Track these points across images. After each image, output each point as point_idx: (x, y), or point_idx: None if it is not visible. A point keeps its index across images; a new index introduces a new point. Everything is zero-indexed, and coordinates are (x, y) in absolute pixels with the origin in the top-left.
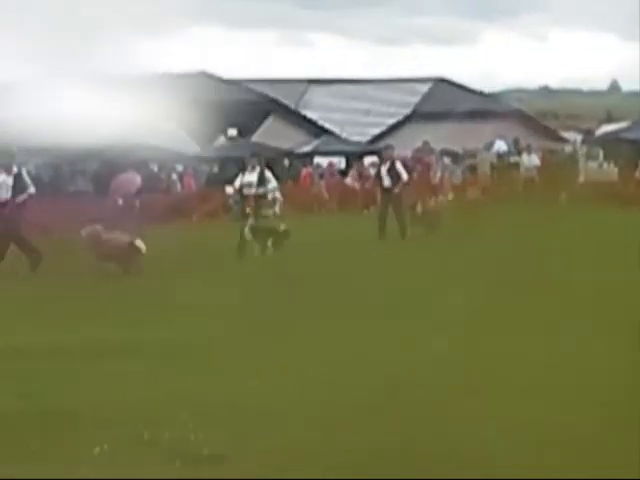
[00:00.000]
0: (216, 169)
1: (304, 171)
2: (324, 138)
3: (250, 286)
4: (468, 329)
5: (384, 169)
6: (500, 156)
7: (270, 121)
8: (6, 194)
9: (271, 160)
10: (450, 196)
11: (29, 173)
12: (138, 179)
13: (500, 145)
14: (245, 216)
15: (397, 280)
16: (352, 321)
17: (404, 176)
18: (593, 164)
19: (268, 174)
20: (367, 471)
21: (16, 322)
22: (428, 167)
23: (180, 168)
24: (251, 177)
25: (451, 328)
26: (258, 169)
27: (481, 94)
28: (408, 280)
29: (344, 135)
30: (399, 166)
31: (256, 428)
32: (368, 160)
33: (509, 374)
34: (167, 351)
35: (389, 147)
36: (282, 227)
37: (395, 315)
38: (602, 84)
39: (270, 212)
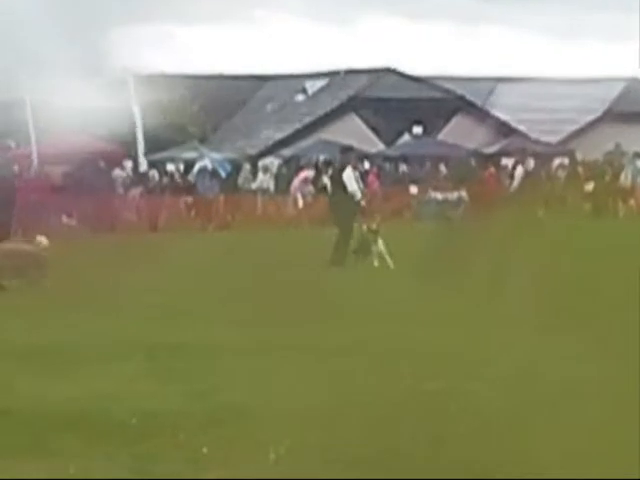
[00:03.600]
0: (403, 167)
1: (487, 172)
2: (512, 138)
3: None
4: None
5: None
6: None
7: (457, 119)
8: None
9: (457, 160)
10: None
11: (204, 168)
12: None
13: None
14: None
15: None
16: None
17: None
18: None
19: (346, 174)
20: None
21: (181, 319)
22: (619, 171)
23: (366, 166)
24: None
25: None
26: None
27: None
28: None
29: (533, 136)
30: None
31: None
32: (558, 161)
33: None
34: (346, 350)
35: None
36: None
37: None
38: None
39: (455, 214)
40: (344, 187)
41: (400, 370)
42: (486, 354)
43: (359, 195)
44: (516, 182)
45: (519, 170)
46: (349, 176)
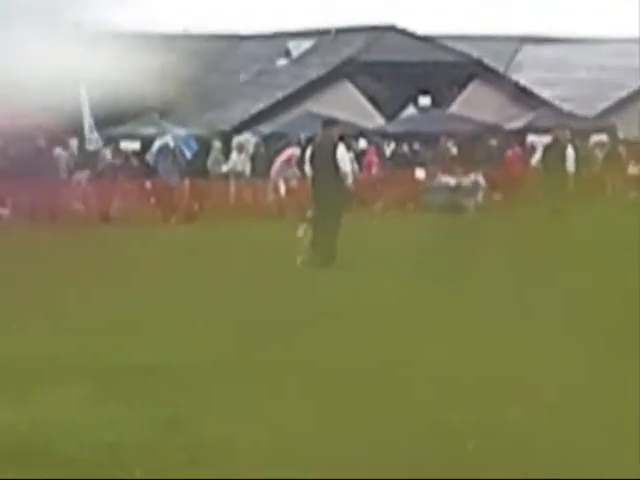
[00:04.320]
0: (406, 147)
1: (509, 152)
2: (541, 111)
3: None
4: None
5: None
6: None
7: (472, 88)
8: None
9: (471, 138)
10: None
11: (166, 147)
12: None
13: None
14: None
15: None
16: None
17: None
18: None
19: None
20: None
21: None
22: None
23: (362, 144)
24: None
25: None
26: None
27: None
28: None
29: (567, 108)
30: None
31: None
32: (595, 139)
33: None
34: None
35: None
36: None
37: None
38: None
39: (470, 203)
40: (334, 167)
41: (413, 399)
42: (515, 378)
43: (351, 178)
44: (570, 164)
45: (570, 153)
46: (343, 155)
